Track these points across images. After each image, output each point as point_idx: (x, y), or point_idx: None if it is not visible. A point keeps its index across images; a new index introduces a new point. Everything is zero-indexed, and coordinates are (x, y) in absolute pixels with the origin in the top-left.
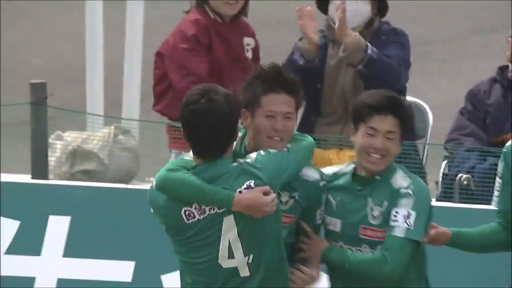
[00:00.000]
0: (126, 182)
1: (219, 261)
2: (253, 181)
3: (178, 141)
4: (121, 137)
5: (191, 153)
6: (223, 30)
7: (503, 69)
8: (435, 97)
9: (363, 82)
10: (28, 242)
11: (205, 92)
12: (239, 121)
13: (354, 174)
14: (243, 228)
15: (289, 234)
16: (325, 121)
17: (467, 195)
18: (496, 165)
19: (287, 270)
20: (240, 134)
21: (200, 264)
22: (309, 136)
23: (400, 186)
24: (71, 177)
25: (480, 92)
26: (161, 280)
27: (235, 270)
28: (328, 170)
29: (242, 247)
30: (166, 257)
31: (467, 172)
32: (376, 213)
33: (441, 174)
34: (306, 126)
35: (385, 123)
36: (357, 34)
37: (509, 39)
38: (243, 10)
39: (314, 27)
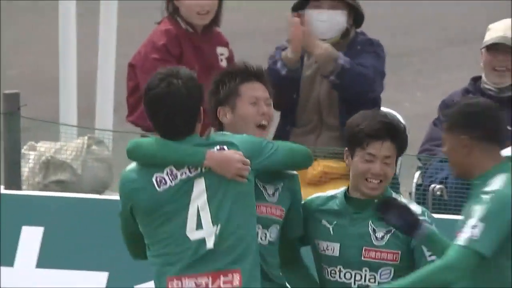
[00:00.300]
0: (100, 193)
1: (186, 232)
2: (226, 146)
3: None
4: (94, 147)
5: None
6: (195, 40)
7: (476, 79)
8: (410, 108)
9: (337, 92)
10: (1, 253)
11: (166, 76)
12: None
13: (348, 197)
14: (213, 193)
15: (279, 231)
16: (300, 131)
17: (440, 206)
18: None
19: (257, 258)
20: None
21: (168, 239)
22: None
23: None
24: (44, 187)
25: (453, 102)
26: None
27: (202, 243)
28: (317, 195)
29: (210, 214)
30: (139, 267)
31: (440, 183)
32: (380, 234)
33: (414, 185)
34: (281, 136)
35: (383, 148)
36: (328, 44)
37: (482, 50)
38: (215, 21)
39: (301, 38)
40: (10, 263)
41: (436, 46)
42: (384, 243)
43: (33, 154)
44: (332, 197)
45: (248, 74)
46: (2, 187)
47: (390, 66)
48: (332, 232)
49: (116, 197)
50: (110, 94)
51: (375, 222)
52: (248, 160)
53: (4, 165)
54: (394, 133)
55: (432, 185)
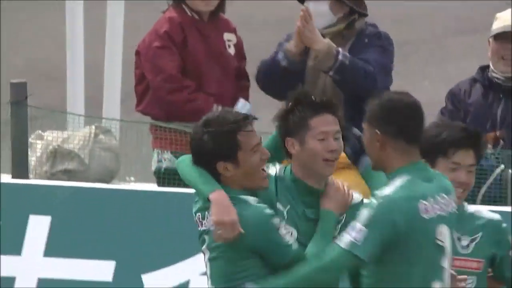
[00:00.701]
0: (107, 182)
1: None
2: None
3: (160, 140)
4: (101, 136)
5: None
6: (201, 26)
7: (483, 68)
8: (418, 97)
9: (337, 87)
10: (8, 242)
11: (204, 122)
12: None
13: None
14: (211, 255)
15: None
16: None
17: None
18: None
19: None
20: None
21: None
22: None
23: (492, 218)
24: (52, 176)
25: (461, 91)
26: (142, 280)
27: None
28: None
29: (209, 274)
30: (146, 256)
31: None
32: (465, 242)
33: None
34: None
35: (468, 157)
36: (329, 40)
37: (490, 39)
38: (221, 7)
39: (309, 36)
40: (17, 251)
41: (443, 35)
42: (469, 251)
43: (40, 143)
44: None
45: (318, 106)
46: (10, 176)
47: (398, 56)
48: None
49: (124, 186)
50: (118, 83)
51: (458, 230)
52: (236, 228)
53: (12, 154)
54: (477, 141)
55: None
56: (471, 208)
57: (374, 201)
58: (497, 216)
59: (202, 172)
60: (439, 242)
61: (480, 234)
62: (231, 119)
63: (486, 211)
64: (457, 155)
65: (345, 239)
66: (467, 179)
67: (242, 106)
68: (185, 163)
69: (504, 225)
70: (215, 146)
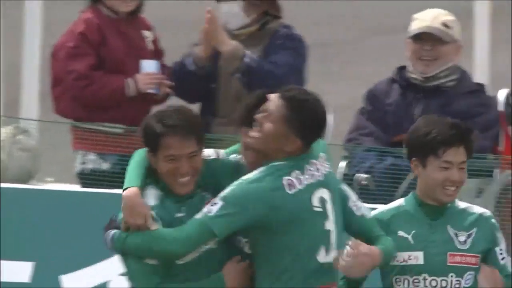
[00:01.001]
0: (25, 182)
1: None
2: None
3: (83, 141)
4: (20, 137)
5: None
6: (120, 25)
7: (401, 69)
8: (336, 98)
9: (245, 89)
10: None
11: (156, 111)
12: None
13: (420, 204)
14: None
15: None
16: (222, 121)
17: (366, 195)
18: (395, 164)
19: None
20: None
21: None
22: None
23: (483, 212)
24: None
25: (379, 92)
26: (60, 281)
27: None
28: (381, 209)
29: None
30: (65, 257)
31: (366, 172)
32: (462, 238)
33: (340, 174)
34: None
35: (459, 155)
36: (236, 42)
37: (408, 40)
38: (139, 7)
39: (216, 38)
40: None
41: (362, 36)
42: (467, 247)
43: None
44: (400, 208)
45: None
46: None
47: (316, 56)
48: (412, 241)
49: (42, 186)
50: (35, 83)
51: (454, 226)
52: (146, 215)
53: None
54: (467, 138)
55: (357, 175)
56: (462, 204)
57: (237, 181)
58: (487, 211)
59: (138, 167)
60: (317, 209)
61: (475, 229)
62: (167, 121)
63: (476, 207)
64: (448, 154)
65: (201, 211)
66: (459, 177)
67: (145, 65)
68: (136, 155)
69: (493, 220)
70: (143, 137)
